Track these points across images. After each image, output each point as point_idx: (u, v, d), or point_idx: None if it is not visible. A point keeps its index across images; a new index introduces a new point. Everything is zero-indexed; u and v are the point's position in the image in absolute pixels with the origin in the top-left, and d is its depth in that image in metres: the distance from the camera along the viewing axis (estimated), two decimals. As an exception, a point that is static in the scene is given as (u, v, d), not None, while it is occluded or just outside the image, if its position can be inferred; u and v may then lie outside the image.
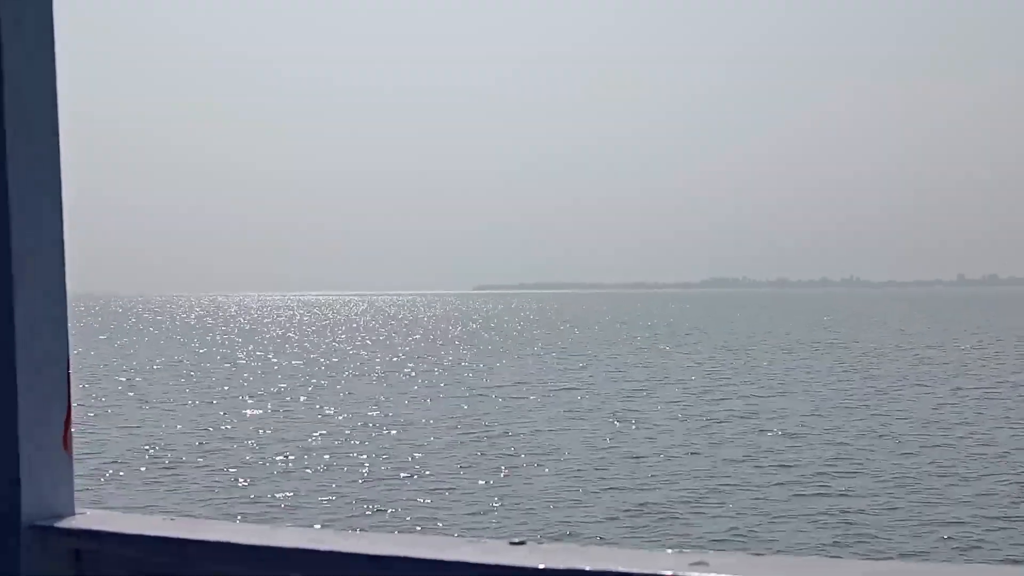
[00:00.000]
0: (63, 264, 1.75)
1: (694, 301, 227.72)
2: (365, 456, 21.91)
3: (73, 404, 1.74)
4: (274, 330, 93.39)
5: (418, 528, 15.25)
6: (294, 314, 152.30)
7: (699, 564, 1.26)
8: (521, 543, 1.43)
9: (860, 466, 20.16)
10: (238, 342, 71.46)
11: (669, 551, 1.35)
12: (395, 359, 52.53)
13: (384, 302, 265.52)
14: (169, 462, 21.26)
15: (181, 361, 51.50)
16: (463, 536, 11.90)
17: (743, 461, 20.82)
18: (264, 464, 21.06)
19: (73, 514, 1.71)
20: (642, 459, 21.14)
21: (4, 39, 1.70)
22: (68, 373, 1.74)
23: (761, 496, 17.40)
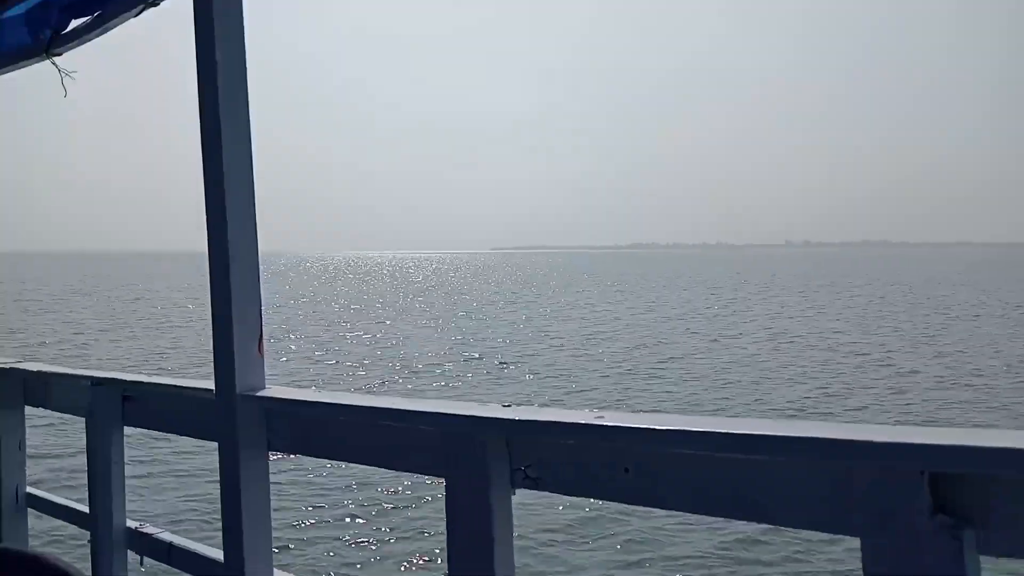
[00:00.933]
0: (255, 231, 2.63)
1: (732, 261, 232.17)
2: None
3: (264, 331, 2.65)
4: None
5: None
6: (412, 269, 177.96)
7: None
8: None
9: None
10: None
11: None
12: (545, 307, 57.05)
13: (436, 259, 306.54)
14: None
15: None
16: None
17: None
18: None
19: (264, 388, 2.63)
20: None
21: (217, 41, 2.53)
22: (260, 309, 2.64)
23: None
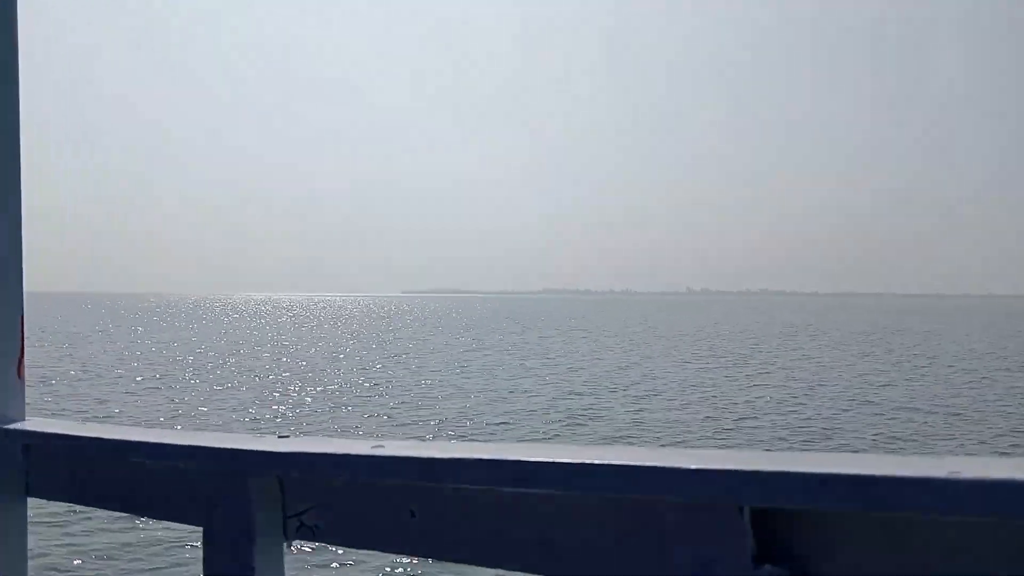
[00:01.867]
0: (20, 234, 2.21)
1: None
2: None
3: (26, 345, 2.25)
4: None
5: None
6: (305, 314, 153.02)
7: None
8: None
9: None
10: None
11: None
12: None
13: (357, 303, 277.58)
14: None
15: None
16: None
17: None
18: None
19: (24, 420, 2.23)
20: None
21: None
22: (22, 321, 2.23)
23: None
